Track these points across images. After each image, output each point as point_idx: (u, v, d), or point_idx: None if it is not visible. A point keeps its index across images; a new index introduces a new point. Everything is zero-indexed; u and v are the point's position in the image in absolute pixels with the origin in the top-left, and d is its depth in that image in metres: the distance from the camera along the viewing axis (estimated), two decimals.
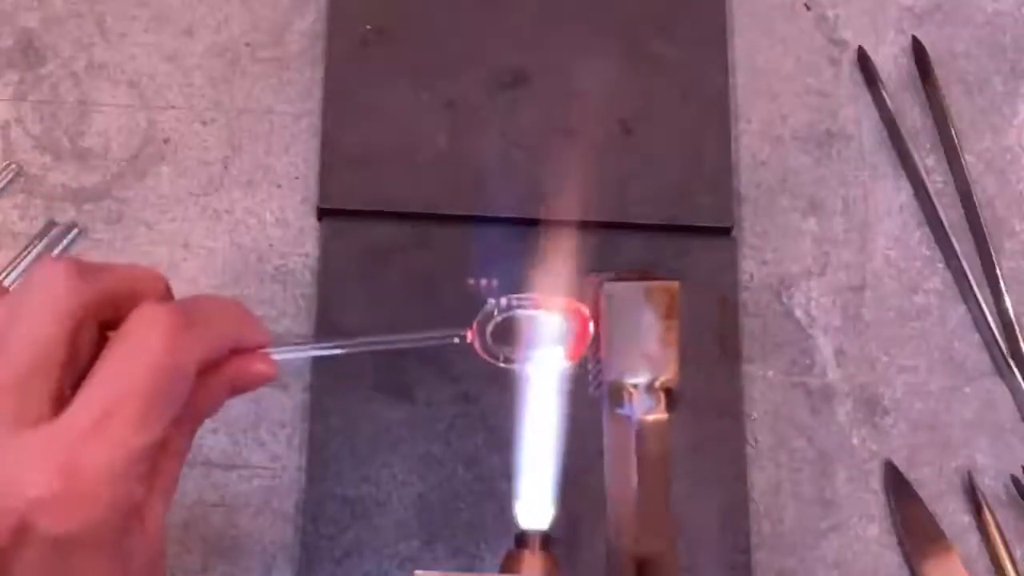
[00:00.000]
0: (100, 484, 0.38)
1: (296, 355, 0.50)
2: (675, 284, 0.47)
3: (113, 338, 0.41)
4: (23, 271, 0.60)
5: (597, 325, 0.47)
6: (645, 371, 0.47)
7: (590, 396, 0.49)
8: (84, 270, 0.41)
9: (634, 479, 0.48)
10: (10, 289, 0.42)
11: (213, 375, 0.43)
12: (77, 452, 0.38)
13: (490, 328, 0.48)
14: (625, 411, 0.47)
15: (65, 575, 0.38)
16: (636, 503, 0.46)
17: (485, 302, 0.58)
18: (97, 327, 0.41)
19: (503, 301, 0.47)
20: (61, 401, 0.39)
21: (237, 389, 0.45)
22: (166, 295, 0.44)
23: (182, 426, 0.42)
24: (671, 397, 0.47)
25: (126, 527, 0.39)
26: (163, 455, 0.41)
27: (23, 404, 0.39)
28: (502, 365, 0.48)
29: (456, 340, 0.48)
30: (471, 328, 0.47)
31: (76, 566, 0.38)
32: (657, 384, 0.47)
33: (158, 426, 0.40)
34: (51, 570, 0.38)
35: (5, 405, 0.38)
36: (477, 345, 0.47)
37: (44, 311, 0.40)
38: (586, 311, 0.47)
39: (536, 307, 0.47)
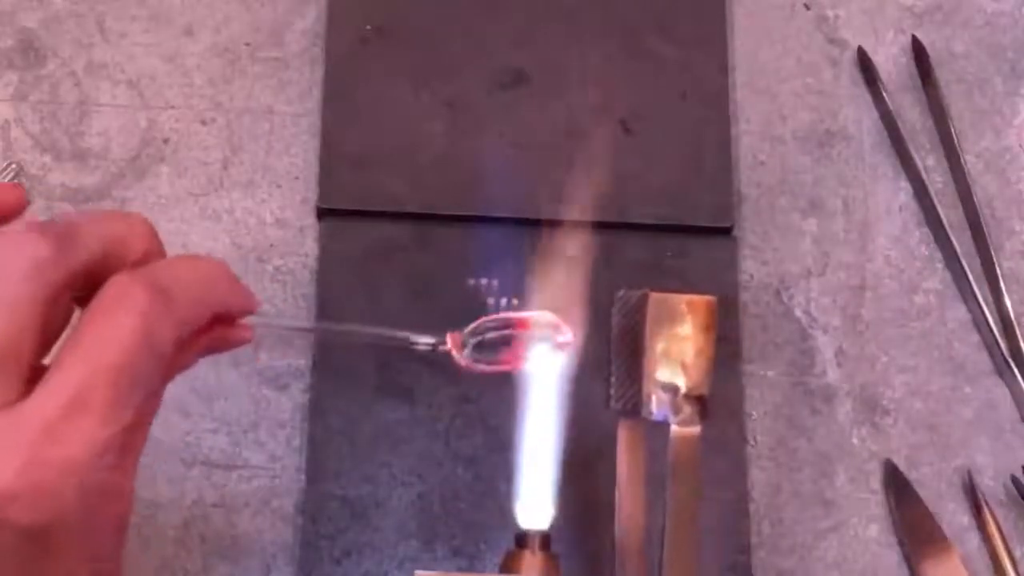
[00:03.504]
0: (69, 475, 0.37)
1: (276, 327, 0.50)
2: (713, 299, 0.50)
3: (84, 315, 0.39)
4: None
5: (637, 339, 0.49)
6: (681, 380, 0.48)
7: (611, 410, 0.50)
8: (60, 241, 0.39)
9: (646, 488, 0.49)
10: None
11: (190, 340, 0.42)
12: (45, 443, 0.37)
13: (468, 348, 0.48)
14: (658, 417, 0.48)
15: (35, 557, 0.37)
16: (667, 516, 0.47)
17: (485, 303, 0.58)
18: (70, 296, 0.40)
19: (478, 325, 0.48)
20: (31, 379, 0.38)
21: (210, 352, 0.44)
22: (150, 251, 0.42)
23: (153, 398, 0.41)
24: (703, 407, 0.48)
25: (96, 509, 0.38)
26: (132, 427, 0.40)
27: None
28: (487, 369, 0.48)
29: (439, 347, 0.48)
30: (450, 337, 0.48)
31: (46, 549, 0.37)
32: (692, 394, 0.48)
33: (130, 411, 0.38)
34: (15, 558, 0.37)
35: None
36: (455, 356, 0.48)
37: (14, 291, 0.38)
38: (564, 324, 0.48)
39: (516, 326, 0.48)
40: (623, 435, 0.51)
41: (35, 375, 0.38)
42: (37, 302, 0.38)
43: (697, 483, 0.48)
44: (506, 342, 0.49)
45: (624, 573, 0.51)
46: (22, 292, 0.38)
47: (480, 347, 0.49)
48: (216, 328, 0.44)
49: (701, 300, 0.50)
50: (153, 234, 0.42)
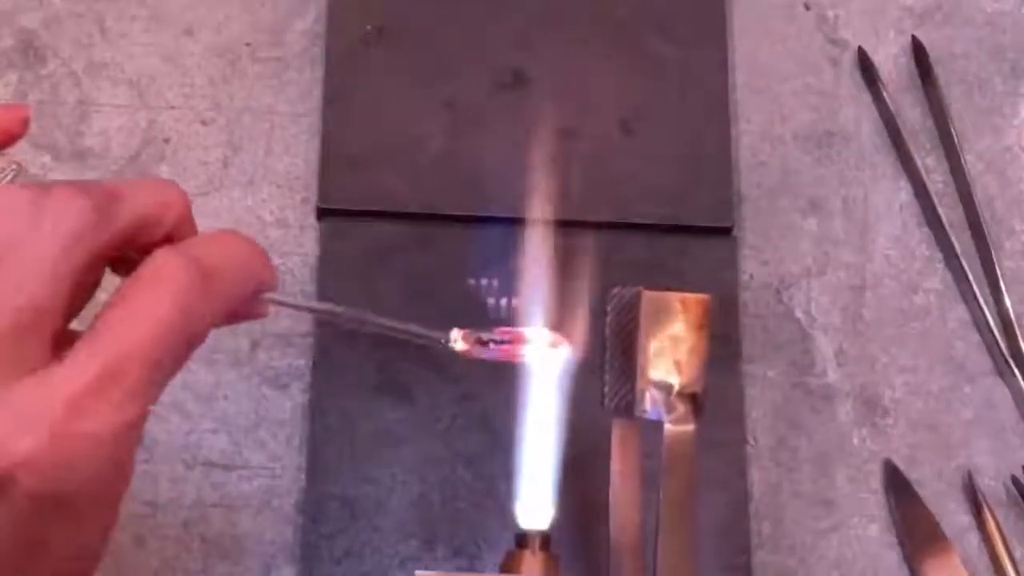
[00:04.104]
0: (91, 449, 0.36)
1: (291, 307, 0.50)
2: (707, 297, 0.50)
3: (123, 288, 0.38)
4: None
5: (630, 338, 0.49)
6: (675, 379, 0.48)
7: (605, 408, 0.50)
8: (103, 206, 0.38)
9: (642, 487, 0.49)
10: (24, 200, 0.37)
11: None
12: (72, 415, 0.36)
13: (475, 344, 0.48)
14: (652, 416, 0.48)
15: (34, 528, 0.37)
16: (661, 515, 0.47)
17: (485, 303, 0.58)
18: (105, 262, 0.39)
19: (483, 336, 0.48)
20: (60, 344, 0.37)
21: (227, 323, 0.43)
22: (183, 220, 0.41)
23: None
24: (696, 405, 0.48)
25: (105, 484, 0.38)
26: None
27: (20, 351, 0.36)
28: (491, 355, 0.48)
29: (443, 342, 0.48)
30: (459, 336, 0.48)
31: (47, 520, 0.37)
32: (686, 392, 0.48)
33: (159, 390, 0.38)
34: (20, 523, 0.37)
35: (1, 352, 0.36)
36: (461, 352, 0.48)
37: (53, 256, 0.37)
38: (567, 342, 0.48)
39: (518, 341, 0.48)
40: (617, 433, 0.51)
41: (61, 341, 0.38)
42: (74, 268, 0.37)
43: (692, 481, 0.47)
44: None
45: (620, 573, 0.51)
46: (60, 257, 0.37)
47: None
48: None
49: (694, 298, 0.49)
50: (187, 203, 0.42)
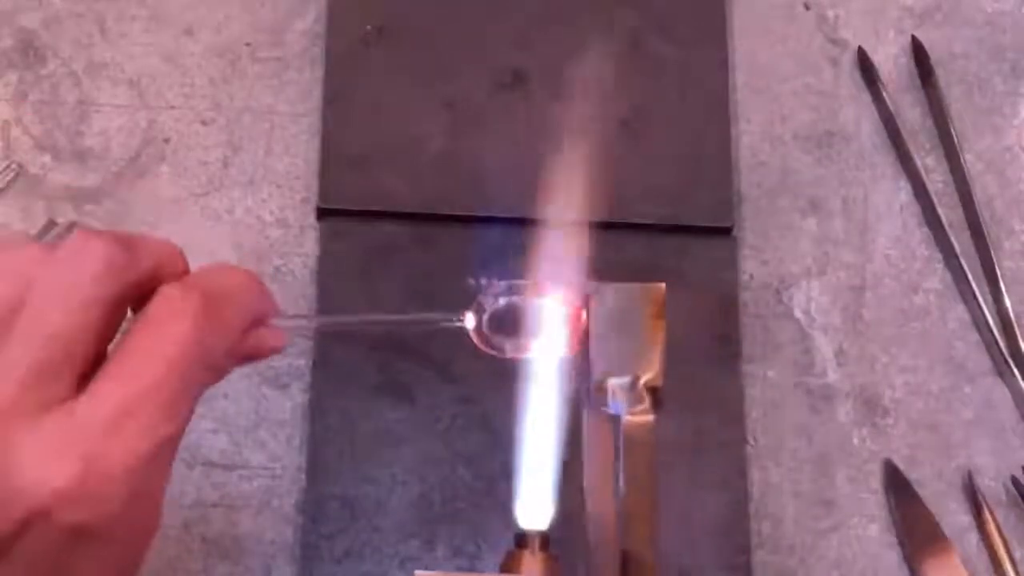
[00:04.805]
0: (122, 476, 0.37)
1: (300, 324, 0.51)
2: (662, 286, 0.48)
3: (137, 322, 0.39)
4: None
5: (587, 330, 0.48)
6: (631, 370, 0.48)
7: (574, 393, 0.50)
8: (121, 253, 0.40)
9: (615, 479, 0.49)
10: (40, 249, 0.39)
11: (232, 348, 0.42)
12: (100, 443, 0.37)
13: (487, 313, 0.48)
14: (610, 409, 0.48)
15: (66, 560, 0.38)
16: (622, 504, 0.46)
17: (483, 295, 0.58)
18: (127, 304, 0.40)
19: (501, 286, 0.48)
20: (83, 380, 0.38)
21: (247, 361, 0.44)
22: (183, 271, 0.43)
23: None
24: (656, 397, 0.47)
25: (136, 514, 0.39)
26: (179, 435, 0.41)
27: (46, 390, 0.37)
28: (497, 354, 0.48)
29: (456, 322, 0.48)
30: (468, 310, 0.47)
31: (79, 552, 0.38)
32: (643, 384, 0.47)
33: (182, 418, 0.39)
34: (53, 556, 0.38)
35: (28, 391, 0.37)
36: (472, 330, 0.47)
37: (77, 296, 0.38)
38: (579, 302, 0.48)
39: (532, 295, 0.48)
40: (587, 424, 0.50)
41: (88, 377, 0.38)
42: (104, 302, 0.39)
43: (652, 469, 0.46)
44: (518, 319, 0.48)
45: (596, 563, 0.50)
46: (92, 291, 0.38)
47: (495, 328, 0.49)
48: (251, 336, 0.44)
49: (648, 288, 0.48)
50: (184, 258, 0.43)
